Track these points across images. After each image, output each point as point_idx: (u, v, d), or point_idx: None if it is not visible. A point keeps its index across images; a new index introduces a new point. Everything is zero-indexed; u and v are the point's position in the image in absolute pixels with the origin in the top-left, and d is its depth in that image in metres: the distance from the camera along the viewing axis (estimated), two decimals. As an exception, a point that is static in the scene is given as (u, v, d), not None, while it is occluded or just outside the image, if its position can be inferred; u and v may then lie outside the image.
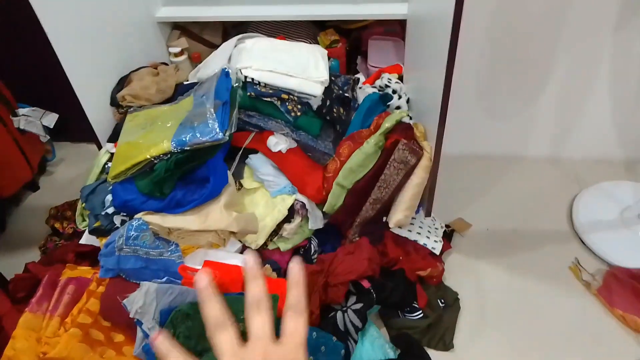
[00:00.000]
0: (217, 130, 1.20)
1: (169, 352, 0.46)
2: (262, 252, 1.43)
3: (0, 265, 1.47)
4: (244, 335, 1.21)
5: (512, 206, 1.75)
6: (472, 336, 1.38)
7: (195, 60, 1.80)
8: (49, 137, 1.86)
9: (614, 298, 1.41)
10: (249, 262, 0.50)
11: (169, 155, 1.24)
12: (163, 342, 0.46)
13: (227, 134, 1.22)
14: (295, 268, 0.50)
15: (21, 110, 1.78)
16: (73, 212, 1.72)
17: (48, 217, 1.72)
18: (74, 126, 1.93)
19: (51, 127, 1.82)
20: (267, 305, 0.48)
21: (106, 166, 1.44)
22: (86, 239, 1.45)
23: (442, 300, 1.43)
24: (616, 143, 1.85)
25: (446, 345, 1.35)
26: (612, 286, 1.44)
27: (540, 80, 1.70)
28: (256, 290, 0.48)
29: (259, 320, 0.47)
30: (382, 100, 1.54)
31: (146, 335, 1.12)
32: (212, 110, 1.24)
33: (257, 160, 1.42)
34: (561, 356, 1.31)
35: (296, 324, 0.47)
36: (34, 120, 1.79)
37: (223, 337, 0.46)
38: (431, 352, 1.33)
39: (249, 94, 1.35)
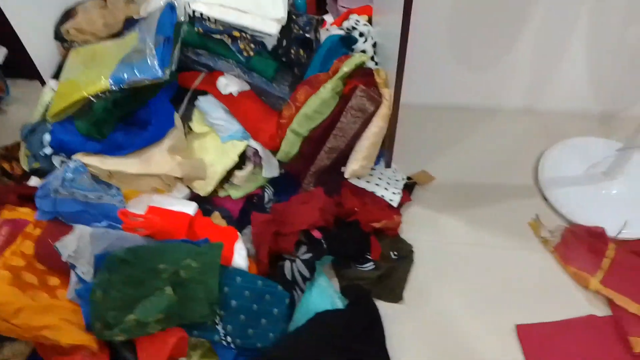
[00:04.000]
0: (157, 68, 1.13)
1: None
2: (212, 199, 1.39)
3: (-54, 205, 1.41)
4: (185, 282, 1.18)
5: (478, 160, 1.69)
6: (424, 289, 1.36)
7: (152, -7, 1.68)
8: (-1, 73, 1.77)
9: (569, 255, 1.39)
10: None
11: (107, 94, 1.17)
12: None
13: (168, 72, 1.14)
14: None
15: (-34, 43, 1.67)
16: (24, 152, 1.65)
17: (-2, 158, 1.65)
18: (26, 62, 1.83)
19: (0, 62, 1.73)
20: None
21: (49, 104, 1.37)
22: (35, 181, 1.39)
23: (396, 253, 1.41)
24: (591, 97, 1.78)
25: (396, 297, 1.33)
26: (569, 243, 1.41)
27: (516, 28, 1.60)
28: None
29: None
30: (345, 42, 1.45)
31: (80, 280, 1.09)
32: (152, 46, 1.15)
33: (206, 103, 1.35)
34: (511, 310, 1.30)
35: None
36: (-19, 54, 1.69)
37: None
38: (381, 304, 1.32)
39: (196, 29, 1.26)
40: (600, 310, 1.28)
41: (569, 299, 1.32)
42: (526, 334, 1.25)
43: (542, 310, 1.29)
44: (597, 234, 1.39)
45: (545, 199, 1.55)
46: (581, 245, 1.39)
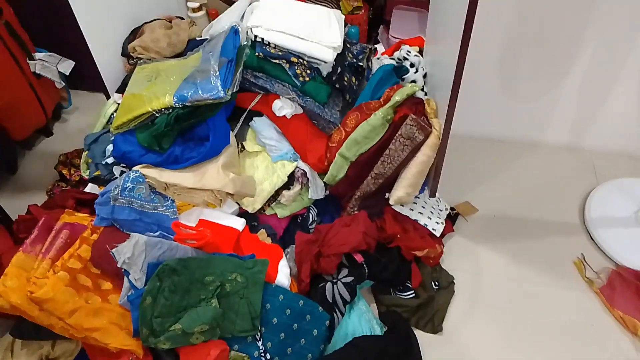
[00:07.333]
0: (219, 88, 1.18)
1: None
2: (259, 217, 1.42)
3: (7, 205, 1.48)
4: (229, 295, 1.22)
5: (522, 194, 1.68)
6: (463, 321, 1.35)
7: (213, 16, 1.77)
8: (64, 84, 1.87)
9: (616, 298, 1.36)
10: None
11: (170, 110, 1.22)
12: None
13: (229, 92, 1.19)
14: None
15: (38, 55, 1.78)
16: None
17: (57, 163, 1.74)
18: (91, 75, 1.93)
19: (67, 74, 1.83)
20: None
21: (112, 116, 1.44)
22: (91, 187, 1.46)
23: (437, 282, 1.40)
24: (641, 137, 1.76)
25: (435, 327, 1.33)
26: (615, 286, 1.38)
27: (565, 63, 1.60)
28: None
29: None
30: (396, 72, 1.48)
31: (132, 286, 1.14)
32: (217, 67, 1.21)
33: (260, 124, 1.40)
34: (551, 350, 1.27)
35: None
36: (50, 65, 1.80)
37: None
38: (419, 333, 1.32)
39: (257, 54, 1.32)
40: (648, 357, 1.25)
41: (614, 344, 1.29)
42: (568, 376, 1.22)
43: (583, 354, 1.27)
44: (646, 279, 1.36)
45: (591, 238, 1.53)
46: (628, 289, 1.36)
